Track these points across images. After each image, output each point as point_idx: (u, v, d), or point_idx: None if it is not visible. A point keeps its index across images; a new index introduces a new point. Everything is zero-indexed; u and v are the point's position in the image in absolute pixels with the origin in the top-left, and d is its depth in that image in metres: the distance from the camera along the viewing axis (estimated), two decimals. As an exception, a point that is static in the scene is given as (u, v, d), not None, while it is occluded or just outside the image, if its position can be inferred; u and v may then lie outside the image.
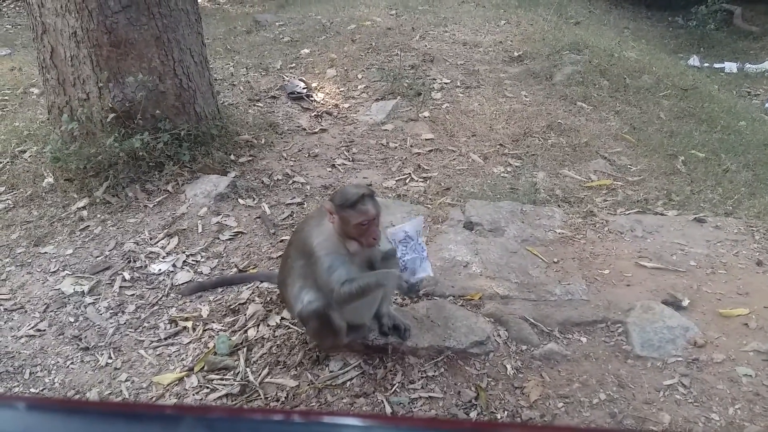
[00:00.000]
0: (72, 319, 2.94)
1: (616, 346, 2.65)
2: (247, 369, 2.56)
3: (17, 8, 10.18)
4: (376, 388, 2.45)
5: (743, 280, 3.03)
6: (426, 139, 4.75)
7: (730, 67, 9.11)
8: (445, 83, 5.71)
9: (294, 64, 6.12)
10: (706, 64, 9.28)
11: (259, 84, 5.55)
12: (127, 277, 3.21)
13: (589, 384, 2.45)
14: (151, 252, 3.40)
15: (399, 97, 5.32)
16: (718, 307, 2.84)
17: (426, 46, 6.53)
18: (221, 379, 2.54)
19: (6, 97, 5.37)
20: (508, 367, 2.53)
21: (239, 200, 3.83)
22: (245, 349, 2.67)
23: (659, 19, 12.74)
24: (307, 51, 6.44)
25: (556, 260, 3.21)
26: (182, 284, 3.15)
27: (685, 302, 2.84)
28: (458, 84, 5.71)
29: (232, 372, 2.57)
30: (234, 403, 2.43)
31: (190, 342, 2.76)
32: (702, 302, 2.88)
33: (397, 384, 2.46)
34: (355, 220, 2.24)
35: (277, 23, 7.71)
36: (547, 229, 3.50)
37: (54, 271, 3.29)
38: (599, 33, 8.24)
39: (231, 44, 6.91)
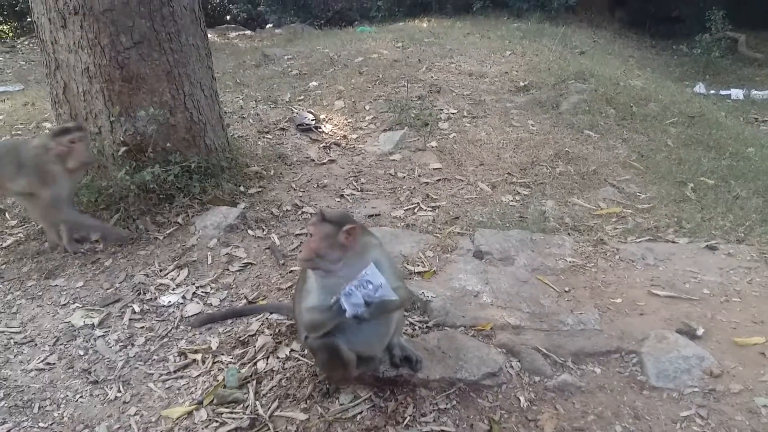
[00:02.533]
0: (82, 352, 2.93)
1: (631, 376, 2.60)
2: (257, 402, 2.53)
3: (31, 45, 10.42)
4: (387, 421, 2.41)
5: (758, 308, 2.98)
6: (434, 169, 4.77)
7: (737, 93, 9.14)
8: (452, 113, 5.75)
9: (302, 97, 6.20)
10: (712, 92, 9.32)
11: (269, 116, 5.62)
12: (137, 309, 3.21)
13: (604, 416, 2.40)
14: (161, 284, 3.40)
15: (406, 128, 5.37)
16: (734, 335, 2.79)
17: (432, 77, 6.61)
18: (230, 413, 2.50)
19: (19, 132, 5.46)
20: (522, 399, 2.49)
21: (249, 231, 3.84)
22: (255, 381, 2.65)
23: (664, 48, 12.86)
24: (315, 83, 6.54)
25: (567, 289, 3.19)
26: (192, 316, 3.14)
27: (700, 331, 2.80)
28: (465, 114, 5.76)
29: (241, 405, 2.54)
30: (243, 437, 2.40)
31: (199, 375, 2.74)
32: (717, 331, 2.83)
33: (408, 417, 2.42)
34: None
35: (285, 57, 7.84)
36: (558, 257, 3.48)
37: (64, 304, 3.29)
38: (604, 62, 8.32)
39: (241, 78, 7.03)
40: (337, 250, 2.23)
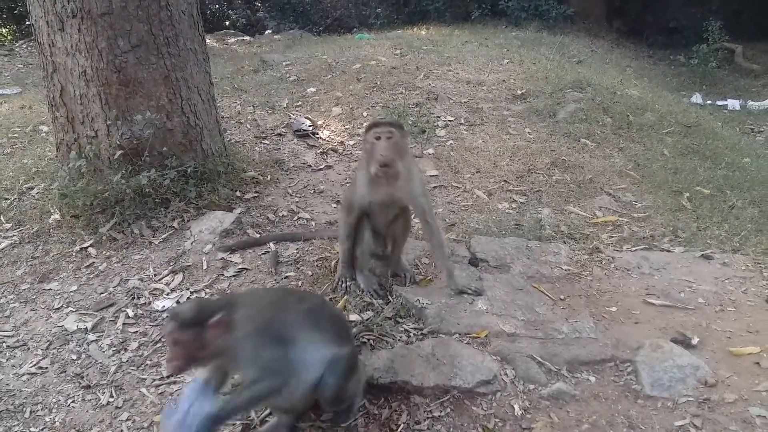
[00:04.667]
0: (74, 357, 2.91)
1: (626, 385, 2.60)
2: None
3: (29, 48, 10.42)
4: (381, 429, 2.40)
5: (753, 317, 2.99)
6: (430, 176, 4.77)
7: (733, 104, 9.17)
8: (449, 121, 5.76)
9: (300, 103, 6.20)
10: (709, 102, 9.35)
11: (266, 122, 5.62)
12: (131, 314, 3.19)
13: (598, 425, 2.40)
14: (156, 288, 3.39)
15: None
16: (729, 345, 2.79)
17: (430, 84, 6.62)
18: (223, 419, 2.49)
19: (16, 135, 5.45)
20: (516, 407, 2.48)
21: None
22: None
23: (661, 58, 12.92)
24: (313, 90, 6.54)
25: (562, 297, 3.19)
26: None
27: (695, 340, 2.80)
28: (462, 121, 5.77)
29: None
30: (236, 443, 2.39)
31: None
32: (712, 340, 2.83)
33: (402, 425, 2.41)
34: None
35: (284, 63, 7.85)
36: (553, 265, 3.48)
37: (58, 308, 3.28)
38: (601, 71, 8.35)
39: (238, 83, 7.03)
40: (208, 348, 2.02)
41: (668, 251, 3.72)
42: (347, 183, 4.63)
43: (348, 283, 3.19)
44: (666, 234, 3.93)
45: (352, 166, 4.92)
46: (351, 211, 3.10)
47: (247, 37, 12.30)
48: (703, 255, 3.60)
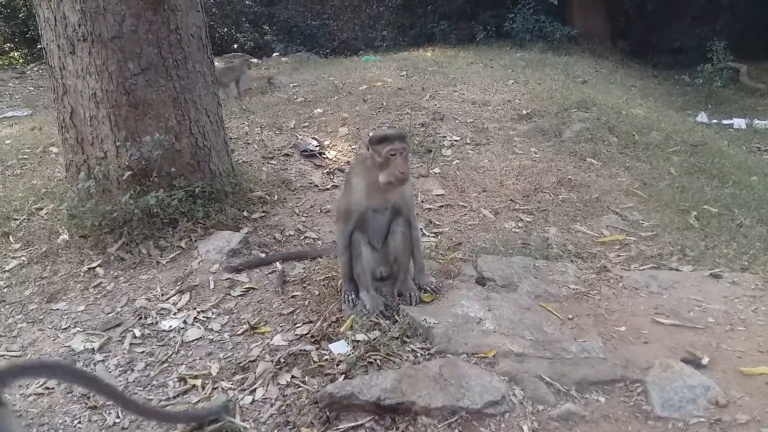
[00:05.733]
0: (81, 377, 2.91)
1: (636, 406, 2.57)
2: (254, 430, 2.50)
3: (40, 71, 10.60)
4: (388, 449, 2.38)
5: (763, 336, 2.95)
6: (437, 195, 4.78)
7: (739, 123, 9.18)
8: (455, 140, 5.79)
9: (307, 123, 6.25)
10: (715, 121, 9.36)
11: (273, 142, 5.67)
12: (138, 333, 3.19)
13: (608, 446, 2.36)
14: (163, 308, 3.39)
15: (409, 155, 5.39)
16: (739, 365, 2.76)
17: (436, 105, 6.67)
18: (230, 440, 2.47)
19: (26, 156, 5.51)
20: (525, 428, 2.45)
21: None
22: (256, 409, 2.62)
23: (665, 78, 12.98)
24: (320, 110, 6.60)
25: (570, 317, 3.16)
26: (192, 341, 3.12)
27: (705, 360, 2.77)
28: (468, 141, 5.80)
29: (240, 432, 2.50)
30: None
31: (198, 401, 2.71)
32: (722, 360, 2.80)
33: (409, 446, 2.38)
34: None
35: (291, 84, 7.94)
36: (561, 284, 3.46)
37: (65, 328, 3.28)
38: (606, 91, 8.39)
39: (246, 104, 7.11)
40: None
41: (677, 270, 3.69)
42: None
43: (352, 297, 3.20)
44: (674, 253, 3.91)
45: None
46: (348, 218, 3.14)
47: (255, 60, 12.46)
48: (711, 274, 3.57)
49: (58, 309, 3.44)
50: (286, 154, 5.44)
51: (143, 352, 3.07)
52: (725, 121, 9.34)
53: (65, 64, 3.84)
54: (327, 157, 5.44)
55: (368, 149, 2.96)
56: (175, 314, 3.34)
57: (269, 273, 3.66)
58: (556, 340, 2.95)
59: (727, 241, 4.04)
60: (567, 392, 2.62)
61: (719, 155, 5.74)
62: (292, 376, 2.77)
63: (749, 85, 11.67)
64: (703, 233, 4.18)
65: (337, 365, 2.78)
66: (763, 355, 2.81)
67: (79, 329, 3.26)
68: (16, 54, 13.85)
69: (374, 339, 2.90)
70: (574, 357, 2.83)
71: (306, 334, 3.07)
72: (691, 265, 3.74)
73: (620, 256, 3.88)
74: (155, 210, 3.87)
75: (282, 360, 2.88)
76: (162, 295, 3.51)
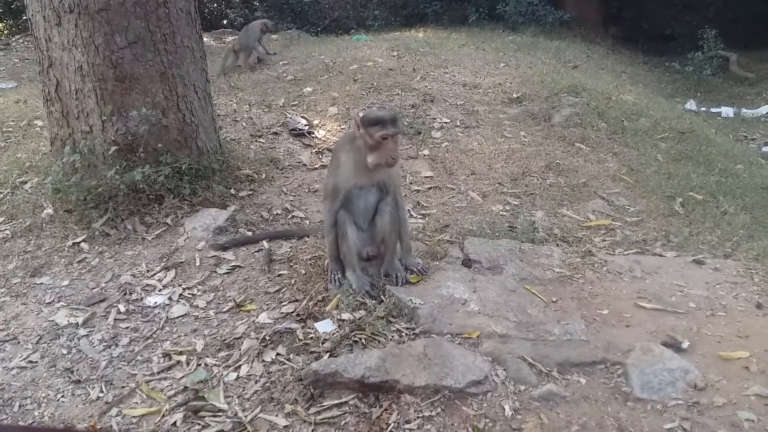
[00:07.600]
0: (65, 351, 2.90)
1: (616, 387, 2.61)
2: (237, 407, 2.51)
3: (25, 43, 10.40)
4: (371, 427, 2.40)
5: (743, 322, 3.00)
6: (425, 177, 4.78)
7: (727, 111, 9.23)
8: (445, 123, 5.78)
9: (296, 102, 6.20)
10: (703, 109, 9.41)
11: (262, 120, 5.62)
12: (122, 309, 3.18)
13: (588, 427, 2.40)
14: (148, 285, 3.38)
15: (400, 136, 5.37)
16: (719, 349, 2.80)
17: (426, 86, 6.63)
18: (213, 416, 2.48)
19: (10, 129, 5.43)
20: (506, 407, 2.49)
21: (238, 234, 3.83)
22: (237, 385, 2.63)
23: (656, 65, 13.00)
24: (309, 89, 6.55)
25: (554, 299, 3.19)
26: (178, 317, 3.12)
27: (685, 344, 2.81)
28: (458, 124, 5.79)
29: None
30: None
31: (183, 376, 2.72)
32: (702, 344, 2.84)
33: (392, 424, 2.41)
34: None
35: (281, 62, 7.86)
36: (546, 268, 3.49)
37: (49, 302, 3.26)
38: (597, 77, 8.39)
39: (235, 81, 7.03)
40: None
41: (660, 255, 3.73)
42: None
43: (338, 276, 3.20)
44: (658, 238, 3.95)
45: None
46: (335, 195, 3.15)
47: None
48: (694, 260, 3.62)
49: (41, 283, 3.42)
50: (275, 133, 5.40)
51: (128, 327, 3.07)
52: (713, 110, 9.39)
53: (51, 36, 3.77)
54: (316, 137, 5.41)
55: (359, 129, 2.94)
56: (160, 290, 3.33)
57: (256, 251, 3.66)
58: (539, 322, 2.98)
59: (711, 228, 4.09)
60: (549, 373, 2.66)
61: (706, 143, 5.78)
62: (277, 354, 2.79)
63: (739, 74, 11.72)
64: (688, 220, 4.23)
65: (323, 343, 2.79)
66: (741, 340, 2.86)
67: (63, 304, 3.24)
68: (0, 26, 13.58)
69: (360, 318, 2.91)
70: (557, 339, 2.86)
71: (292, 312, 3.08)
72: (675, 251, 3.78)
73: (605, 240, 3.92)
74: (141, 186, 3.84)
75: (267, 338, 2.89)
76: (147, 271, 3.49)
